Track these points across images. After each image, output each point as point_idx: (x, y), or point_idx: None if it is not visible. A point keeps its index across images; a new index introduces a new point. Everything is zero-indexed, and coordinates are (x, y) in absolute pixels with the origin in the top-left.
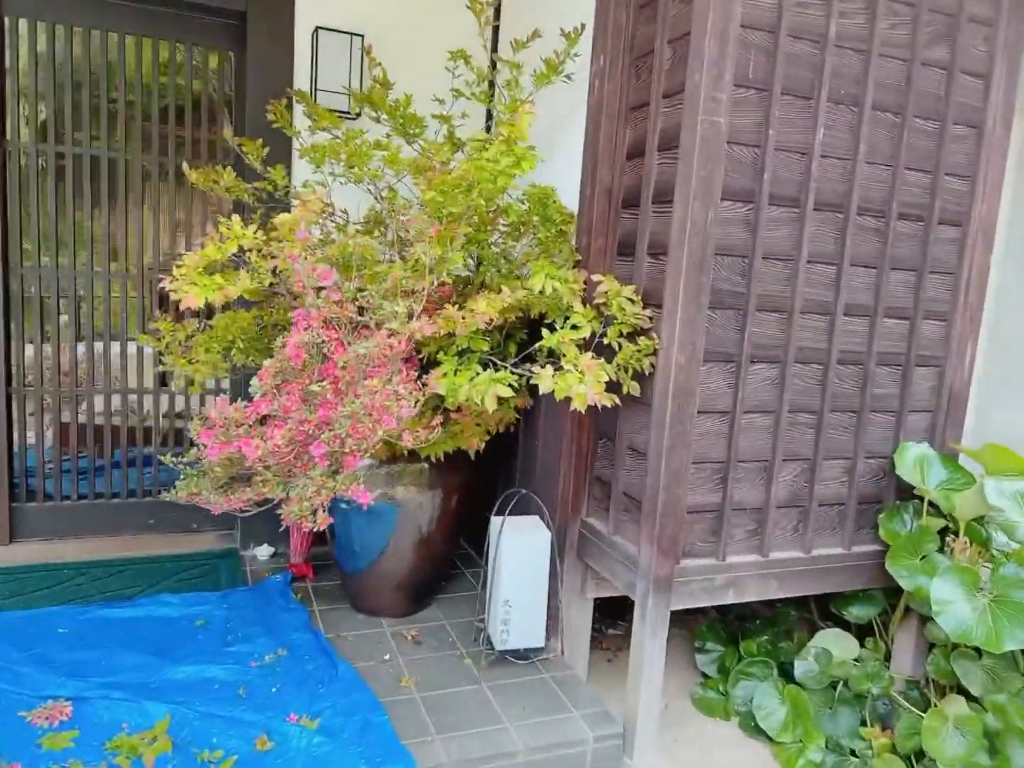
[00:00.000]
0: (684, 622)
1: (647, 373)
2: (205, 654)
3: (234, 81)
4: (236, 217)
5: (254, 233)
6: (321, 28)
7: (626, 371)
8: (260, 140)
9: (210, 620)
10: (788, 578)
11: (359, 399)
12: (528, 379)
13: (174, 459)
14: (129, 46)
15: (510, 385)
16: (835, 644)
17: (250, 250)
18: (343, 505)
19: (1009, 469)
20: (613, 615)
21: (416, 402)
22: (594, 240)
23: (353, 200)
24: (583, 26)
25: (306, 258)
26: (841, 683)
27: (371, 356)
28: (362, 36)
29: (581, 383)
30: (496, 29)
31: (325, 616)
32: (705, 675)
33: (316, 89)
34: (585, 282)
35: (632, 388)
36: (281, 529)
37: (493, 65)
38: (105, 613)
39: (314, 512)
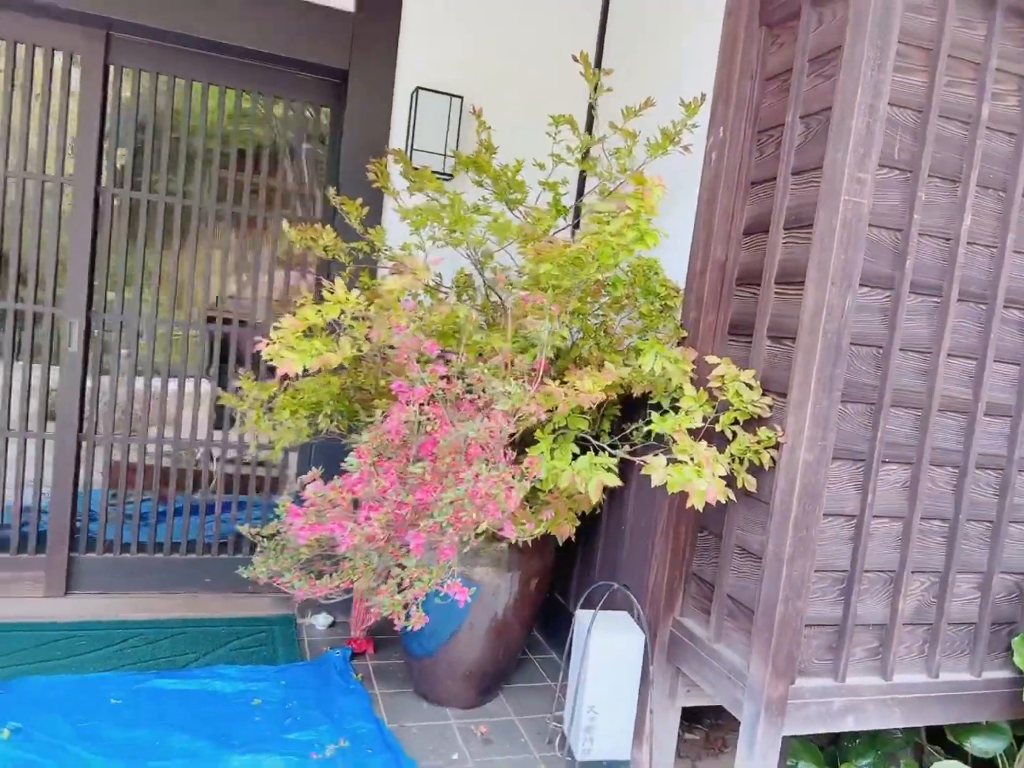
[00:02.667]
0: None
1: (767, 467)
2: (263, 741)
3: (329, 136)
4: (339, 281)
5: (356, 298)
6: (421, 88)
7: (740, 463)
8: (359, 200)
9: (267, 699)
10: (912, 705)
11: (462, 485)
12: (619, 459)
13: (252, 531)
14: (230, 98)
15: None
16: None
17: (348, 315)
18: None
19: None
20: (688, 717)
21: (523, 491)
22: (704, 317)
23: (444, 263)
24: (703, 96)
25: (410, 327)
26: None
27: (476, 438)
28: (461, 97)
29: (700, 477)
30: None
31: (387, 702)
32: None
33: (413, 149)
34: (694, 362)
35: (748, 483)
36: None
37: (588, 130)
38: (160, 684)
39: (406, 606)
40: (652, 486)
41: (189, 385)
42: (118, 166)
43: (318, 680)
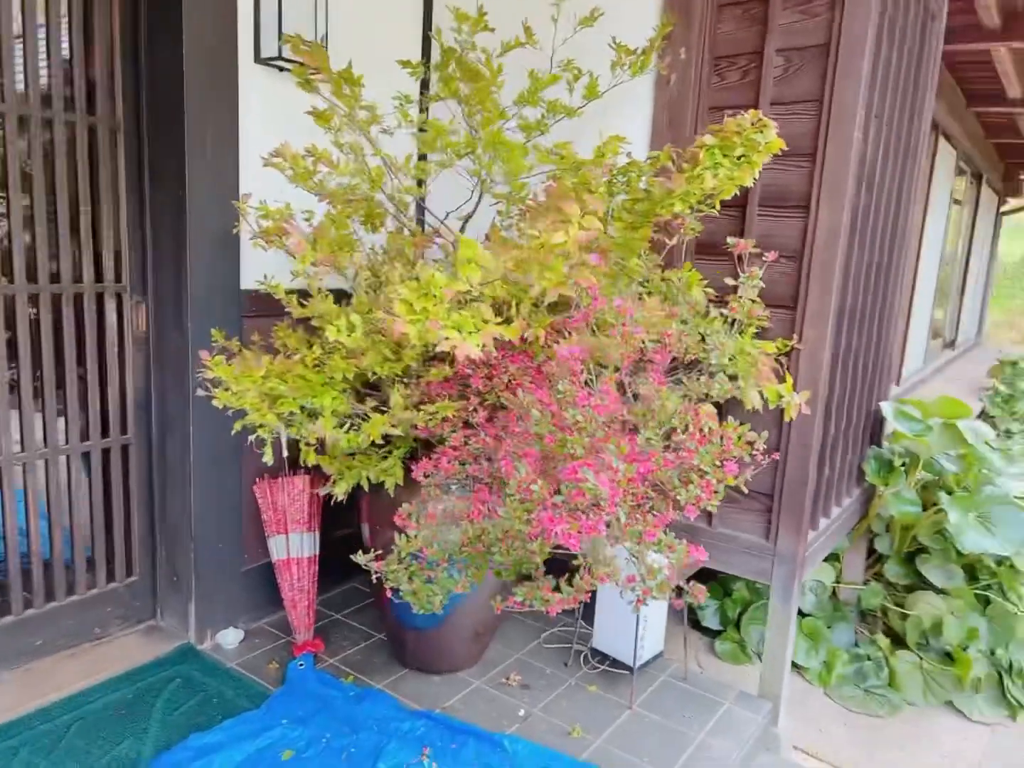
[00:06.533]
0: None
1: None
2: None
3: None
4: (469, 240)
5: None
6: None
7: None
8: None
9: (299, 749)
10: None
11: (708, 447)
12: None
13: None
14: None
15: None
16: (821, 574)
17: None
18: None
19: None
20: None
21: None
22: None
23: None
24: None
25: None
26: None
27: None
28: None
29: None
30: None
31: (400, 691)
32: (707, 629)
33: (281, 34)
34: None
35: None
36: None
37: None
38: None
39: (678, 589)
40: None
41: None
42: None
43: (317, 704)
